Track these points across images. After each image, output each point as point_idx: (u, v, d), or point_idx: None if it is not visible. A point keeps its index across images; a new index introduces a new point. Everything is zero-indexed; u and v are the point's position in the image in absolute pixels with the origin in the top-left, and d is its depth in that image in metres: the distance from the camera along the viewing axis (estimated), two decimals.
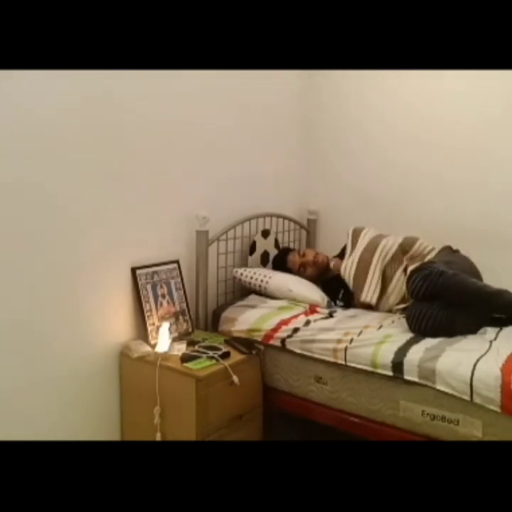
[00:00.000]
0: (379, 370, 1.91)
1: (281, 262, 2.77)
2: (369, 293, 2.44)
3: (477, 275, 2.25)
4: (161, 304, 2.23)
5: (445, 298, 2.01)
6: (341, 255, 2.78)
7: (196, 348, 2.11)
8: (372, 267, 2.47)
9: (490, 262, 2.37)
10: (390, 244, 2.51)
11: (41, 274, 1.84)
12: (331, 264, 2.73)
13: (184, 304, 2.35)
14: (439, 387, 1.78)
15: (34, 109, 1.76)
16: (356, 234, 2.72)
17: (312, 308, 2.43)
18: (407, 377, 1.85)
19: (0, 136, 1.68)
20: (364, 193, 3.06)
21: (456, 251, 2.44)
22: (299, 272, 2.70)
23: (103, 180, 2.02)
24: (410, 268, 2.34)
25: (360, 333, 2.07)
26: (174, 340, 2.14)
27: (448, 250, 2.44)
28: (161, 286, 2.25)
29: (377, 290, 2.43)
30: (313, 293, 2.56)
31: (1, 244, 1.72)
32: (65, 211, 1.89)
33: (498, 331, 2.05)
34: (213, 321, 2.46)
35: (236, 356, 2.08)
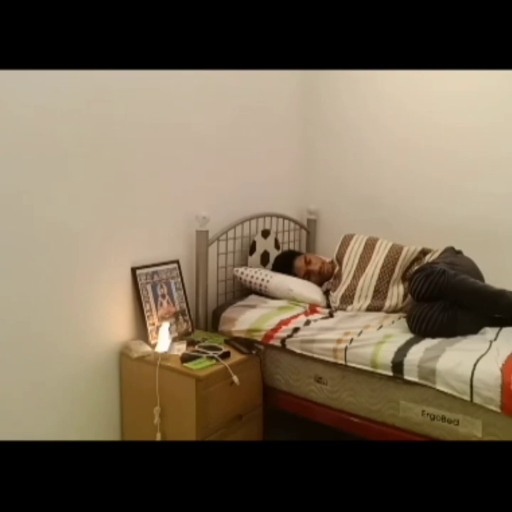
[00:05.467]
0: (379, 370, 1.91)
1: (285, 266, 2.75)
2: (356, 306, 2.47)
3: (479, 276, 2.24)
4: (161, 304, 2.23)
5: (447, 298, 2.01)
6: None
7: (196, 348, 2.11)
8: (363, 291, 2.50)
9: (489, 263, 2.37)
10: (377, 260, 2.55)
11: (41, 275, 1.84)
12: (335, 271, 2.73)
13: (184, 304, 2.35)
14: (439, 387, 1.78)
15: (32, 110, 1.76)
16: (344, 244, 2.75)
17: (312, 308, 2.43)
18: (407, 377, 1.85)
19: None
20: (364, 194, 3.06)
21: (459, 252, 2.44)
22: (303, 278, 2.70)
23: (102, 180, 2.01)
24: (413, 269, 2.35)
25: (360, 333, 2.07)
26: (174, 340, 2.14)
27: (451, 251, 2.45)
28: (161, 286, 2.25)
29: (366, 304, 2.46)
30: (313, 293, 2.56)
31: (0, 246, 1.72)
32: (65, 212, 1.89)
33: (498, 331, 2.05)
34: (213, 321, 2.46)
35: (236, 356, 2.08)
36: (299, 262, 2.74)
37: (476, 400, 1.70)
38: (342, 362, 2.01)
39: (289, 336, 2.16)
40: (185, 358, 2.00)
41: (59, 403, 1.95)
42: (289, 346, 2.16)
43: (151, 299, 2.19)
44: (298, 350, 2.13)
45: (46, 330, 1.88)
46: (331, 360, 2.04)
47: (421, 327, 2.01)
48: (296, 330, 2.17)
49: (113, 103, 2.02)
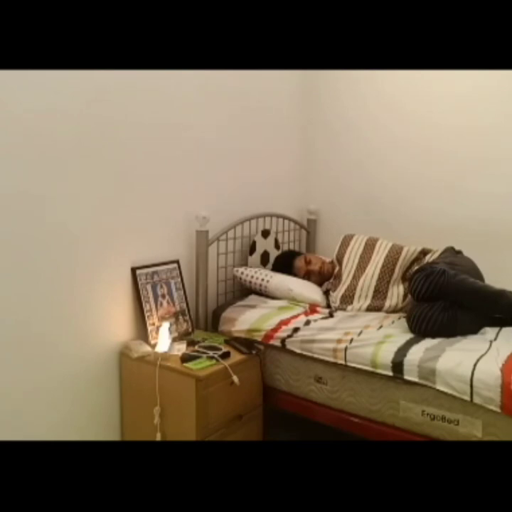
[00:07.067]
0: (379, 370, 1.91)
1: (285, 266, 2.75)
2: (356, 306, 2.47)
3: (479, 276, 2.24)
4: (161, 304, 2.23)
5: (447, 298, 2.01)
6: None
7: (196, 348, 2.11)
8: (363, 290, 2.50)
9: (489, 263, 2.37)
10: (377, 260, 2.55)
11: (41, 275, 1.84)
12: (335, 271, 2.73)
13: (184, 304, 2.35)
14: (439, 387, 1.78)
15: (33, 110, 1.76)
16: (344, 245, 2.75)
17: (312, 308, 2.43)
18: (407, 377, 1.85)
19: None
20: (364, 194, 3.06)
21: (459, 252, 2.44)
22: (303, 278, 2.70)
23: (102, 181, 2.01)
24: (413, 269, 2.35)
25: (360, 333, 2.07)
26: (174, 340, 2.14)
27: (451, 251, 2.45)
28: (161, 286, 2.25)
29: (366, 305, 2.46)
30: (313, 293, 2.56)
31: (0, 246, 1.72)
32: (65, 212, 1.89)
33: (498, 331, 2.05)
34: (213, 321, 2.46)
35: (236, 356, 2.08)
36: (299, 262, 2.74)
37: (476, 400, 1.70)
38: (342, 362, 2.01)
39: (289, 336, 2.16)
40: (185, 358, 2.00)
41: (59, 403, 1.95)
42: (289, 346, 2.16)
43: (151, 299, 2.19)
44: (298, 350, 2.13)
45: (46, 330, 1.88)
46: (331, 360, 2.04)
47: (421, 327, 2.01)
48: (296, 330, 2.17)
49: (113, 103, 2.02)
